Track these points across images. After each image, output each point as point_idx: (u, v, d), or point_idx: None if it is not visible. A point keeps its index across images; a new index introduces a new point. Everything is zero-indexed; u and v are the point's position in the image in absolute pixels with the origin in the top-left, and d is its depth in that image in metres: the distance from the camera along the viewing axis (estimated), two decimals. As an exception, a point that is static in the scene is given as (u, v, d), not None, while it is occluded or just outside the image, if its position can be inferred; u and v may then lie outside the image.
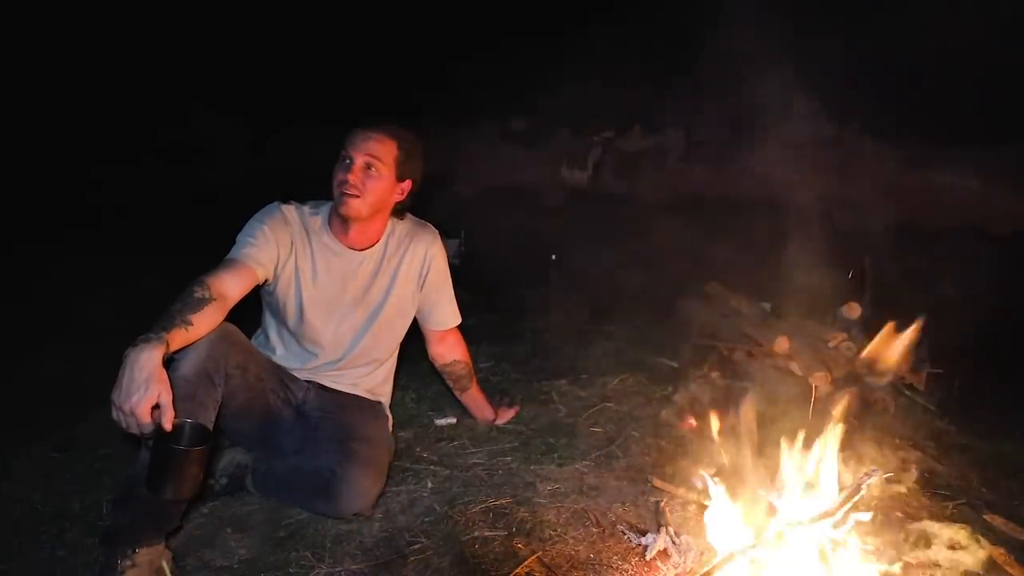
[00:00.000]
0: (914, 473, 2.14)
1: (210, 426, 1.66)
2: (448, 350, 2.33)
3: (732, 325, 3.04)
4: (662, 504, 1.90)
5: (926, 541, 1.82)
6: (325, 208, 2.04)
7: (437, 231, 2.19)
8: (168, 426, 1.46)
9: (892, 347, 2.60)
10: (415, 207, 2.17)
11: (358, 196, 1.92)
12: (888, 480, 2.05)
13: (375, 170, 1.92)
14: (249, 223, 1.95)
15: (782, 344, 2.77)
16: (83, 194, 6.53)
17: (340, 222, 2.00)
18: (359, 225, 2.00)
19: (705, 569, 1.60)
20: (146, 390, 1.43)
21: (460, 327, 2.33)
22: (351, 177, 1.90)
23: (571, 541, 1.83)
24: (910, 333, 2.55)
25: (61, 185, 6.79)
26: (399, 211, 2.08)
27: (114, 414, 1.46)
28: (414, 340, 2.32)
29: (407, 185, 2.01)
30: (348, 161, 1.91)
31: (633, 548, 1.79)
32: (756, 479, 1.79)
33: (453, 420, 2.53)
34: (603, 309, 3.80)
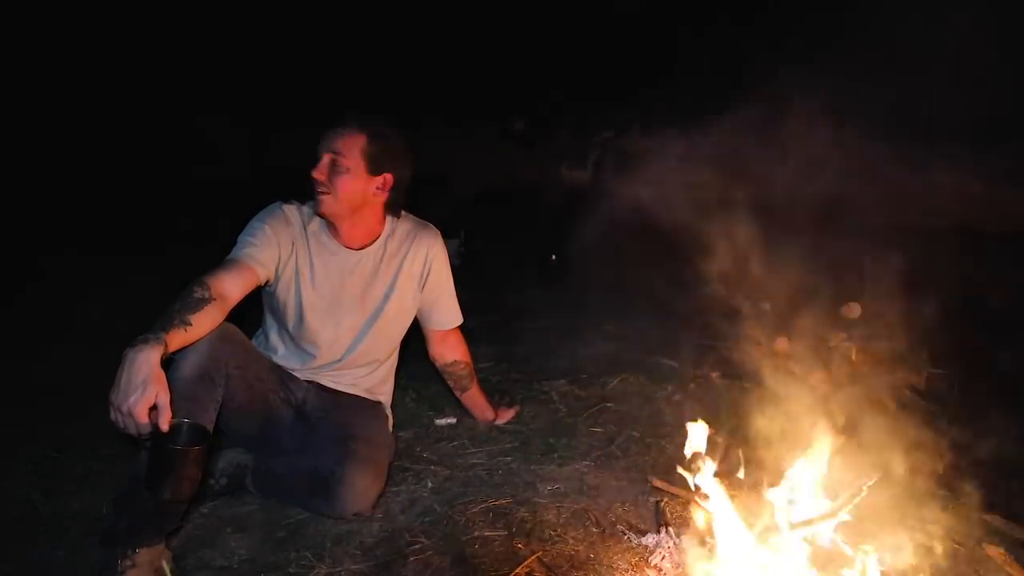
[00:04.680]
0: (914, 473, 2.14)
1: (210, 426, 1.66)
2: (449, 350, 2.32)
3: (732, 325, 3.03)
4: (662, 504, 1.90)
5: (925, 542, 1.82)
6: None
7: (438, 231, 2.19)
8: (165, 427, 1.46)
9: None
10: (414, 207, 2.17)
11: (327, 193, 1.90)
12: (888, 481, 2.05)
13: (341, 165, 1.89)
14: (251, 223, 1.95)
15: (782, 344, 2.77)
16: (83, 194, 6.54)
17: (331, 222, 2.00)
18: (347, 223, 1.99)
19: (705, 569, 1.60)
20: (143, 391, 1.43)
21: (460, 327, 2.33)
22: (315, 175, 1.88)
23: (571, 541, 1.83)
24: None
25: (61, 185, 6.79)
26: (391, 207, 2.04)
27: (111, 415, 1.46)
28: (414, 340, 2.32)
29: (387, 179, 1.96)
30: (315, 159, 1.90)
31: (633, 548, 1.78)
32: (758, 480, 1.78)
33: (453, 420, 2.53)
34: (603, 309, 3.79)
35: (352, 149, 1.89)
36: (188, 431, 1.55)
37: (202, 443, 1.54)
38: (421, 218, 2.19)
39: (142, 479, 1.52)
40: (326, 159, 1.89)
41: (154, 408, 1.45)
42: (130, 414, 1.43)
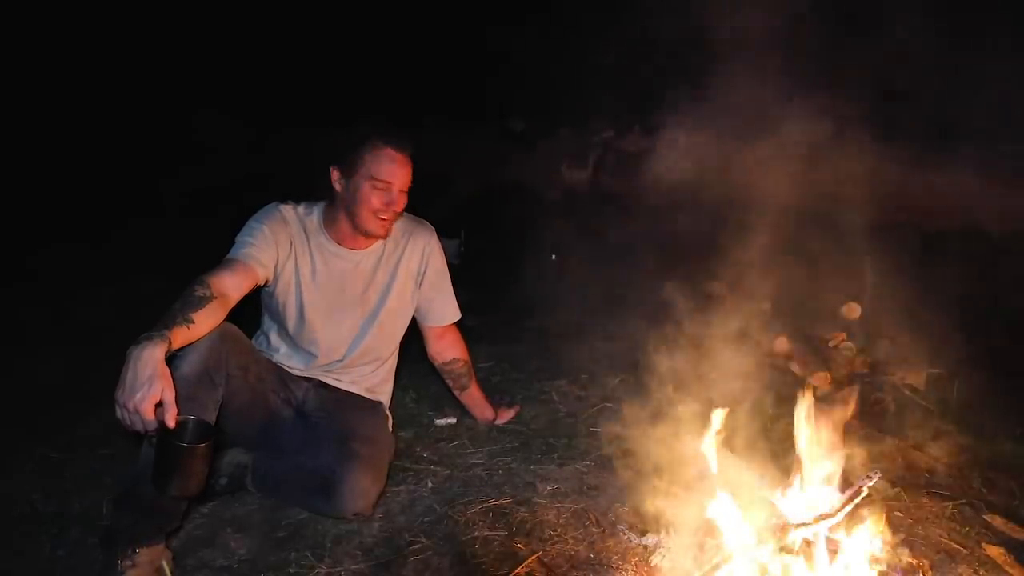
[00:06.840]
0: (914, 473, 2.14)
1: (212, 425, 1.66)
2: (447, 348, 2.33)
3: (732, 325, 3.03)
4: (662, 504, 1.90)
5: (927, 542, 1.82)
6: (318, 208, 2.04)
7: (433, 227, 2.20)
8: (172, 423, 1.46)
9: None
10: (415, 206, 2.17)
11: (393, 219, 1.98)
12: (888, 481, 2.05)
13: (405, 193, 1.98)
14: (248, 223, 1.95)
15: (782, 344, 2.77)
16: (83, 194, 6.53)
17: (343, 225, 2.00)
18: (352, 226, 2.01)
19: (705, 569, 1.60)
20: (150, 387, 1.43)
21: (460, 327, 2.33)
22: (397, 208, 1.95)
23: (571, 541, 1.83)
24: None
25: (61, 185, 6.78)
26: None
27: (118, 412, 1.46)
28: (414, 340, 2.32)
29: None
30: (388, 190, 1.93)
31: (633, 548, 1.78)
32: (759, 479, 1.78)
33: (453, 420, 2.53)
34: (603, 309, 3.79)
35: (410, 174, 1.98)
36: (194, 428, 1.55)
37: (209, 439, 1.53)
38: (418, 216, 2.20)
39: (149, 477, 1.52)
40: (400, 189, 1.96)
41: (160, 405, 1.45)
42: (136, 411, 1.43)
